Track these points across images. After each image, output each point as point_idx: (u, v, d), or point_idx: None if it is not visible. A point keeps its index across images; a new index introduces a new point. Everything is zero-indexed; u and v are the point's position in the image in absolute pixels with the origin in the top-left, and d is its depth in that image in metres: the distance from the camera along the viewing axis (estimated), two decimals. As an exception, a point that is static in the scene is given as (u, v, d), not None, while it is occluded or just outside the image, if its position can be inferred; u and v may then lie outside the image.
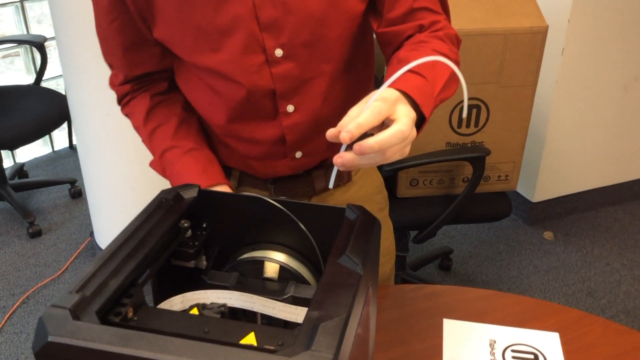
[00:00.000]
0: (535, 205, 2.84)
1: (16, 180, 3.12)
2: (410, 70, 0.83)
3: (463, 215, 1.96)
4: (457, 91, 0.91)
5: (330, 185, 0.78)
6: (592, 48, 2.56)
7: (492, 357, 1.03)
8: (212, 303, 0.69)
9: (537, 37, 1.80)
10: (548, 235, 2.80)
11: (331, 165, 1.13)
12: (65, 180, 3.10)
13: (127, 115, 1.08)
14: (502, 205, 2.02)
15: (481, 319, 1.11)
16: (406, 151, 0.77)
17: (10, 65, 3.51)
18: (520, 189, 2.87)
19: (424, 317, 1.13)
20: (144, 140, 1.06)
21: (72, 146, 3.57)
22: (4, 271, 2.55)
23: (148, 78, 1.03)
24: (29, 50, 3.35)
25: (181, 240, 0.80)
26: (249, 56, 0.92)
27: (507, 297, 1.19)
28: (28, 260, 2.62)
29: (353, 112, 0.74)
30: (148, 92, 1.04)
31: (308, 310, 0.60)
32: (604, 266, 2.59)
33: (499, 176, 2.00)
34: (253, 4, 0.88)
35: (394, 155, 0.75)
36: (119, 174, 2.23)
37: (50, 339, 0.56)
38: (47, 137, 3.48)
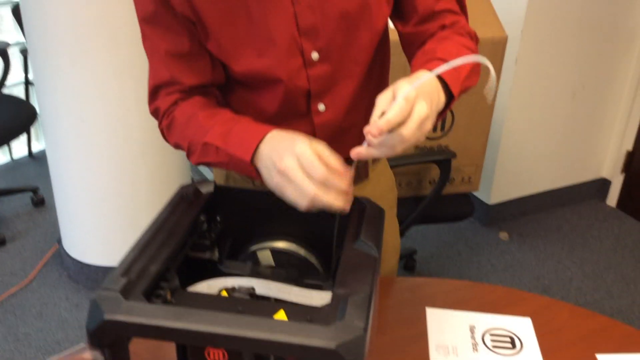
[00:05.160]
0: (491, 207, 2.98)
1: (-25, 189, 3.07)
2: (437, 58, 0.92)
3: (430, 216, 2.06)
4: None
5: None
6: (544, 57, 2.72)
7: (473, 341, 1.12)
8: (239, 286, 0.75)
9: (497, 47, 1.92)
10: (503, 235, 2.94)
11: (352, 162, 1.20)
12: (28, 188, 3.07)
13: (169, 123, 1.03)
14: (465, 206, 2.13)
15: (460, 307, 1.20)
16: (427, 128, 0.80)
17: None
18: (477, 192, 3.00)
19: (408, 306, 1.21)
20: (201, 122, 0.99)
21: (31, 154, 3.52)
22: (-32, 281, 2.52)
23: (199, 90, 1.04)
24: (-13, 56, 3.31)
25: (198, 233, 0.86)
26: (291, 59, 0.98)
27: (482, 286, 1.28)
28: (-7, 269, 2.59)
29: (380, 101, 0.80)
30: (199, 96, 1.05)
31: (334, 288, 0.67)
32: (556, 264, 2.74)
33: (463, 178, 2.11)
34: (294, 12, 0.95)
35: (413, 136, 0.78)
36: (90, 181, 2.24)
37: (106, 317, 0.61)
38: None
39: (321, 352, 0.59)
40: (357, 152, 0.80)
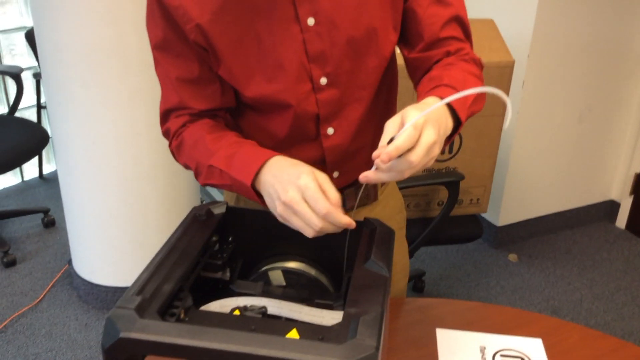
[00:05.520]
0: (500, 229, 2.97)
1: (-14, 211, 3.10)
2: (444, 85, 0.93)
3: (439, 237, 2.07)
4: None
5: (354, 206, 0.85)
6: (550, 81, 2.73)
7: (484, 362, 1.12)
8: (251, 305, 0.76)
9: (505, 71, 1.94)
10: (512, 257, 2.93)
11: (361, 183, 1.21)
12: (39, 209, 3.10)
13: (179, 144, 1.06)
14: (474, 227, 2.13)
15: (471, 328, 1.20)
16: (434, 153, 0.83)
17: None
18: (485, 214, 3.00)
19: (418, 327, 1.21)
20: (207, 144, 1.01)
21: (42, 176, 3.55)
22: (-22, 301, 2.53)
23: (208, 113, 1.07)
24: (1, 80, 3.36)
25: (210, 253, 0.87)
26: (300, 85, 1.01)
27: (492, 307, 1.28)
28: (4, 289, 2.60)
29: (389, 127, 0.82)
30: (207, 119, 1.07)
31: (346, 308, 0.68)
32: (566, 286, 2.73)
33: (471, 200, 2.12)
34: (303, 39, 0.98)
35: (421, 162, 0.80)
36: (100, 203, 2.26)
37: (121, 334, 0.62)
38: (16, 166, 3.46)
39: (333, 370, 0.59)
40: (366, 176, 0.82)
